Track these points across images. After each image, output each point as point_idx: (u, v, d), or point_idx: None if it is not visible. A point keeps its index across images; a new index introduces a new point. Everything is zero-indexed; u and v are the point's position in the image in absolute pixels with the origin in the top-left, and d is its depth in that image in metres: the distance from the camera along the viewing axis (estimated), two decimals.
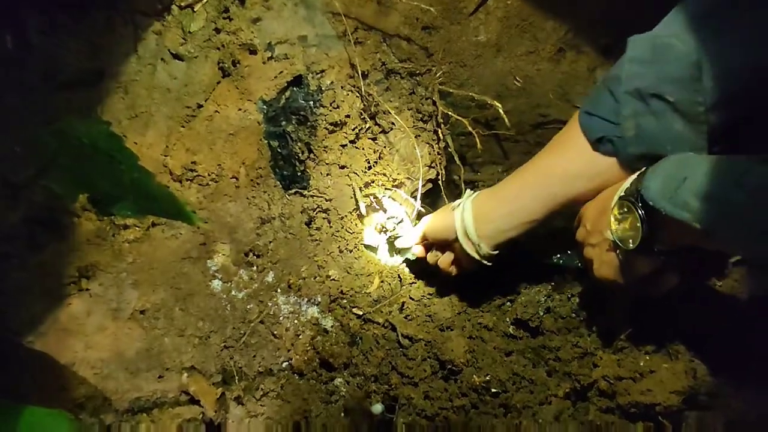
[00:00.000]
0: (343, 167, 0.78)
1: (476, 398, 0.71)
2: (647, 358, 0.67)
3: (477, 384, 0.69)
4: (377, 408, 0.70)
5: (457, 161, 0.81)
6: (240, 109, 0.77)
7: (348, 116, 0.77)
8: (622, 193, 0.50)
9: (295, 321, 0.76)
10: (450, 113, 0.80)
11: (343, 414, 0.72)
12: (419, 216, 0.81)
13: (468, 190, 0.67)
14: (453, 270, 0.70)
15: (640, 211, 0.47)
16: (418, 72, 0.81)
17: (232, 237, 0.76)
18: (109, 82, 0.72)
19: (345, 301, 0.76)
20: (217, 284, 0.75)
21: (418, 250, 0.74)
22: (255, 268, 0.76)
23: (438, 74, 0.80)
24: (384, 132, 0.80)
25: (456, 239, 0.64)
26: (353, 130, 0.78)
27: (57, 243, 0.69)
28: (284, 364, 0.75)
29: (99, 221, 0.69)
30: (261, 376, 0.74)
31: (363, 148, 0.79)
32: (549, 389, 0.70)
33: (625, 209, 0.49)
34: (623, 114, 0.47)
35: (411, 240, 0.74)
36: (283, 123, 0.78)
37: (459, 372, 0.71)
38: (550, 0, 0.75)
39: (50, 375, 0.66)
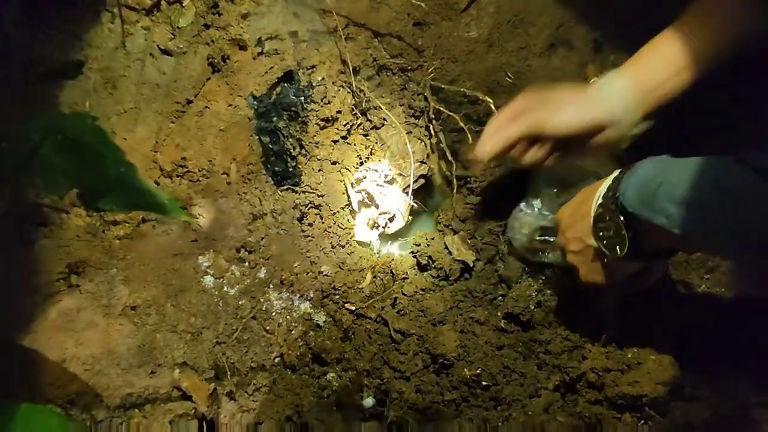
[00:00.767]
0: (334, 163, 0.78)
1: (467, 392, 0.71)
2: (635, 350, 0.68)
3: (468, 377, 0.70)
4: (369, 402, 0.71)
5: (449, 157, 0.81)
6: (230, 105, 0.76)
7: (339, 112, 0.77)
8: (601, 201, 0.50)
9: (288, 316, 0.76)
10: (442, 109, 0.80)
11: (335, 408, 0.72)
12: (411, 212, 0.82)
13: (597, 77, 0.55)
14: (556, 159, 0.56)
15: (621, 219, 0.47)
16: (409, 68, 0.80)
17: (223, 233, 0.76)
18: (97, 77, 0.71)
19: (337, 296, 0.76)
20: (208, 280, 0.75)
21: (521, 150, 0.57)
22: (247, 264, 0.76)
23: (430, 70, 0.80)
24: (375, 128, 0.80)
25: (602, 127, 0.53)
26: (345, 126, 0.78)
27: (46, 239, 0.68)
28: (276, 360, 0.75)
29: (88, 217, 0.68)
30: (253, 371, 0.74)
31: (355, 144, 0.79)
32: (539, 382, 0.71)
33: (607, 218, 0.50)
34: None
35: (506, 138, 0.57)
36: (274, 119, 0.78)
37: (450, 366, 0.72)
38: None
39: (40, 372, 0.66)
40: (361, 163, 0.79)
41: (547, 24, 0.76)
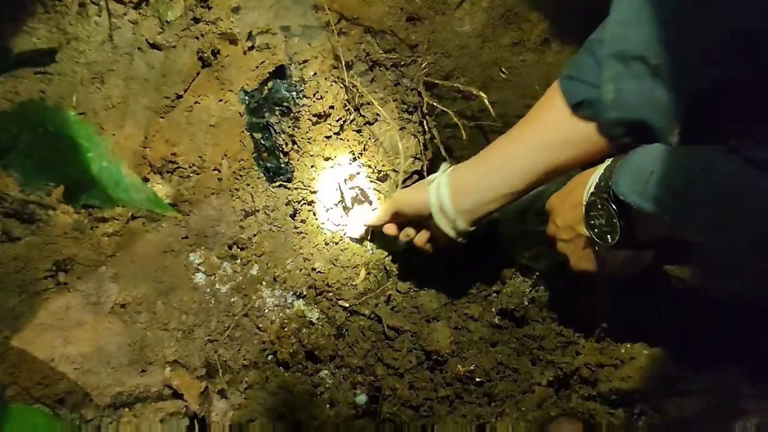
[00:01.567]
0: (327, 159, 0.78)
1: (461, 388, 0.71)
2: (628, 346, 0.68)
3: (462, 374, 0.70)
4: (361, 399, 0.71)
5: (443, 153, 0.80)
6: (221, 100, 0.75)
7: (332, 107, 0.76)
8: (593, 189, 0.50)
9: (280, 314, 0.75)
10: (435, 104, 0.80)
11: (328, 406, 0.72)
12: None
13: (444, 164, 0.63)
14: (428, 248, 0.67)
15: (613, 207, 0.47)
16: (402, 63, 0.80)
17: (215, 230, 0.75)
18: (84, 71, 0.70)
19: (331, 293, 0.76)
20: (200, 277, 0.74)
21: (391, 229, 0.69)
22: (239, 261, 0.75)
23: (423, 65, 0.79)
24: (368, 124, 0.79)
25: (430, 215, 0.60)
26: (337, 121, 0.77)
27: (32, 236, 0.67)
28: (269, 357, 0.74)
29: (76, 214, 0.67)
30: (245, 369, 0.73)
31: (347, 140, 0.78)
32: (532, 378, 0.71)
33: (599, 206, 0.50)
34: (604, 76, 0.43)
35: (377, 216, 0.69)
36: (266, 114, 0.77)
37: (444, 362, 0.72)
38: None
39: (28, 371, 0.65)
40: (354, 159, 0.78)
41: (541, 19, 0.76)
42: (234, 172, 0.76)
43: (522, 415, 0.68)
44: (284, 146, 0.77)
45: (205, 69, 0.75)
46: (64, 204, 0.65)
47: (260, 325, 0.75)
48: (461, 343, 0.72)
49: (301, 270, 0.76)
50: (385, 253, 0.79)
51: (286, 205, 0.77)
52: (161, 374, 0.71)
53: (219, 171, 0.76)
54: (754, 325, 0.63)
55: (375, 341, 0.74)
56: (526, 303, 0.73)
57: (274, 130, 0.77)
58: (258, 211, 0.76)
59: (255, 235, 0.76)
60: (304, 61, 0.77)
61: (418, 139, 0.82)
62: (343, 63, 0.76)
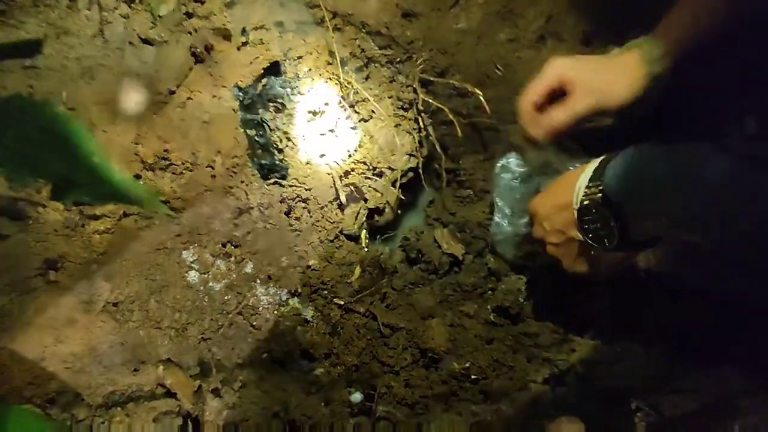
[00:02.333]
0: (322, 156, 0.77)
1: (456, 385, 0.71)
2: (623, 343, 0.68)
3: (457, 371, 0.70)
4: (356, 397, 0.70)
5: (438, 150, 0.80)
6: (214, 96, 0.74)
7: (327, 104, 0.76)
8: (584, 192, 0.49)
9: (275, 312, 0.75)
10: (431, 101, 0.79)
11: (323, 404, 0.71)
12: (400, 205, 0.81)
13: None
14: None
15: (607, 210, 0.47)
16: (398, 60, 0.79)
17: (208, 227, 0.74)
18: (74, 66, 0.69)
19: (326, 291, 0.75)
20: (193, 275, 0.73)
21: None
22: (233, 258, 0.75)
23: (418, 62, 0.79)
24: (364, 120, 0.79)
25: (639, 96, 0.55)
26: (332, 118, 0.77)
27: (21, 233, 0.66)
28: (264, 355, 0.74)
29: (67, 211, 0.66)
30: (240, 367, 0.73)
31: (342, 137, 0.77)
32: (528, 375, 0.71)
33: (593, 210, 0.49)
34: None
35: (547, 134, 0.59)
36: (260, 111, 0.77)
37: (440, 360, 0.71)
38: None
39: (18, 370, 0.64)
40: (349, 156, 0.78)
41: (536, 16, 0.76)
42: (228, 169, 0.75)
43: (518, 412, 0.67)
44: (279, 143, 0.76)
45: (198, 65, 0.74)
46: (54, 201, 0.64)
47: (254, 323, 0.74)
48: (457, 341, 0.72)
49: (295, 268, 0.76)
50: (379, 251, 0.79)
51: (281, 202, 0.76)
52: (154, 373, 0.70)
53: (212, 168, 0.75)
54: (748, 323, 0.63)
55: (370, 339, 0.73)
56: (522, 300, 0.73)
57: (269, 127, 0.77)
58: (252, 208, 0.76)
59: (249, 233, 0.75)
60: (299, 58, 0.76)
61: (414, 136, 0.81)
62: (338, 59, 0.75)
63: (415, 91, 0.80)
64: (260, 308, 0.75)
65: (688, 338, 0.66)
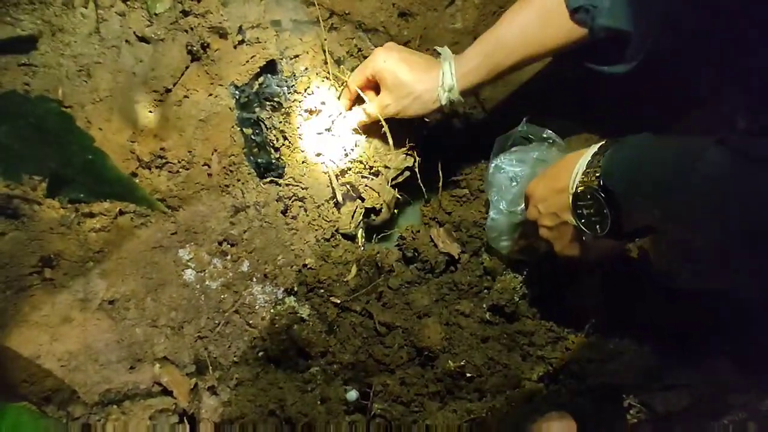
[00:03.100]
0: (318, 155, 0.77)
1: (451, 383, 0.71)
2: (616, 341, 0.69)
3: (452, 369, 0.70)
4: (352, 395, 0.71)
5: (435, 149, 0.80)
6: (211, 95, 0.74)
7: (323, 103, 0.76)
8: (581, 177, 0.50)
9: (271, 310, 0.75)
10: None
11: (319, 402, 0.71)
12: (396, 204, 0.81)
13: (444, 54, 0.65)
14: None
15: (602, 198, 0.47)
16: None
17: (204, 226, 0.74)
18: (70, 64, 0.68)
19: (322, 289, 0.75)
20: (189, 274, 0.73)
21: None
22: (229, 257, 0.75)
23: None
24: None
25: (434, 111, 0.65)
26: (329, 117, 0.77)
27: (17, 231, 0.66)
28: (260, 354, 0.74)
29: (63, 209, 0.66)
30: (236, 365, 0.73)
31: (339, 136, 0.78)
32: (523, 373, 0.71)
33: (588, 196, 0.49)
34: None
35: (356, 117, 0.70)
36: (257, 109, 0.77)
37: (435, 358, 0.72)
38: None
39: (13, 368, 0.64)
40: (346, 155, 0.78)
41: None
42: (224, 167, 0.75)
43: (512, 410, 0.68)
44: (275, 142, 0.77)
45: (194, 63, 0.74)
46: (50, 198, 0.64)
47: (251, 322, 0.74)
48: (452, 339, 0.72)
49: (292, 266, 0.76)
50: (376, 250, 0.79)
51: (277, 201, 0.76)
52: (150, 371, 0.70)
53: (209, 166, 0.75)
54: (740, 320, 0.64)
55: (366, 337, 0.73)
56: (517, 299, 0.73)
57: (265, 126, 0.77)
58: (248, 207, 0.76)
59: (245, 231, 0.75)
60: (295, 56, 0.76)
61: (410, 136, 0.82)
62: (331, 59, 0.75)
63: None
64: (256, 307, 0.75)
65: (680, 335, 0.66)
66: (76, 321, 0.68)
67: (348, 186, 0.79)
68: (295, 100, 0.76)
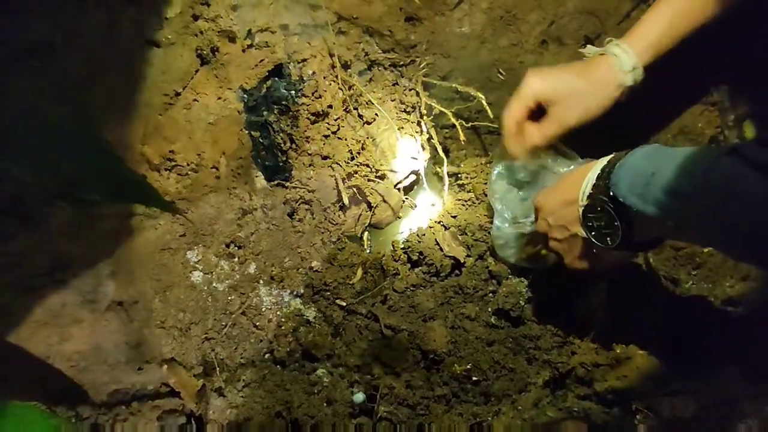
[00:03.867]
0: (325, 158, 0.78)
1: (457, 387, 0.71)
2: (623, 345, 0.68)
3: (458, 373, 0.70)
4: (359, 397, 0.71)
5: (441, 153, 0.81)
6: (219, 98, 0.75)
7: (330, 107, 0.77)
8: (590, 190, 0.50)
9: (278, 312, 0.75)
10: (433, 104, 0.80)
11: (325, 404, 0.72)
12: (402, 208, 0.82)
13: (611, 44, 0.61)
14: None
15: (612, 208, 0.47)
16: (401, 63, 0.80)
17: (212, 228, 0.75)
18: (82, 67, 0.69)
19: (328, 292, 0.76)
20: (197, 276, 0.74)
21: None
22: (236, 259, 0.75)
23: (421, 66, 0.79)
24: (367, 123, 0.79)
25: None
26: (336, 120, 0.77)
27: (28, 233, 0.67)
28: (266, 356, 0.74)
29: (73, 211, 0.67)
30: (243, 367, 0.74)
31: (345, 139, 0.78)
32: (529, 377, 0.71)
33: (598, 208, 0.49)
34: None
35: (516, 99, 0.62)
36: (265, 113, 0.77)
37: (441, 361, 0.72)
38: None
39: (23, 368, 0.65)
40: (352, 159, 0.78)
41: (539, 21, 0.76)
42: (232, 170, 0.76)
43: (518, 414, 0.68)
44: (282, 145, 0.77)
45: (203, 67, 0.74)
46: (61, 200, 0.65)
47: (257, 324, 0.75)
48: (458, 343, 0.72)
49: (298, 269, 0.76)
50: (381, 253, 0.79)
51: (284, 203, 0.77)
52: (158, 372, 0.70)
53: (217, 169, 0.76)
54: (748, 326, 0.63)
55: (372, 340, 0.74)
56: (523, 303, 0.73)
57: (273, 129, 0.77)
58: (256, 209, 0.76)
59: (252, 234, 0.76)
60: (303, 60, 0.77)
61: (416, 139, 0.82)
62: (340, 63, 0.76)
63: (418, 94, 0.81)
64: (263, 309, 0.75)
65: (687, 340, 0.66)
66: (85, 322, 0.69)
67: (354, 189, 0.79)
68: (302, 103, 0.76)
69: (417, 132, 0.82)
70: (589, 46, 0.63)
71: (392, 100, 0.81)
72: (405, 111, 0.82)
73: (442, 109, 0.79)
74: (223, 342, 0.73)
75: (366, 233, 0.82)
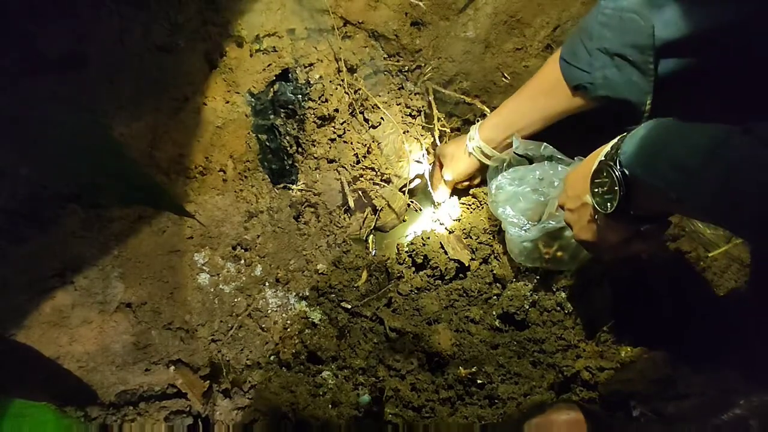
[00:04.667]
0: (331, 161, 0.78)
1: (462, 390, 0.72)
2: (628, 349, 0.68)
3: (463, 376, 0.71)
4: (365, 399, 0.71)
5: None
6: (228, 102, 0.76)
7: (337, 110, 0.77)
8: (601, 158, 0.51)
9: (283, 314, 0.76)
10: (438, 108, 0.80)
11: (330, 406, 0.72)
12: (407, 211, 0.82)
13: (473, 126, 0.75)
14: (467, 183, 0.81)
15: (616, 173, 0.48)
16: (406, 67, 0.81)
17: (219, 230, 0.76)
18: (95, 72, 0.70)
19: (333, 294, 0.76)
20: (204, 278, 0.75)
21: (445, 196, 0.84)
22: (243, 261, 0.76)
23: (427, 70, 0.80)
24: (372, 127, 0.80)
25: (479, 168, 0.77)
26: (342, 124, 0.78)
27: (40, 235, 0.68)
28: (272, 357, 0.75)
29: (84, 214, 0.68)
30: (249, 369, 0.74)
31: (351, 143, 0.79)
32: (533, 380, 0.71)
33: (604, 174, 0.50)
34: (594, 65, 0.59)
35: (443, 195, 0.83)
36: (272, 116, 0.78)
37: (445, 364, 0.72)
38: None
39: (34, 368, 0.66)
40: (358, 162, 0.79)
41: (543, 25, 0.77)
42: (239, 173, 0.77)
43: (523, 417, 0.68)
44: (289, 148, 0.78)
45: (212, 71, 0.75)
46: (73, 203, 0.66)
47: (263, 326, 0.75)
48: (462, 346, 0.72)
49: (303, 271, 0.77)
50: (386, 256, 0.80)
51: (290, 206, 0.77)
52: (165, 373, 0.71)
53: (224, 172, 0.76)
54: (752, 329, 0.63)
55: (377, 343, 0.74)
56: (527, 306, 0.73)
57: (279, 132, 0.78)
58: (262, 212, 0.77)
59: (259, 236, 0.76)
60: (310, 65, 0.77)
61: (421, 143, 0.83)
62: (346, 67, 0.77)
63: (423, 98, 0.81)
64: (269, 311, 0.76)
65: (691, 343, 0.66)
66: (94, 323, 0.70)
67: (360, 192, 0.80)
68: (308, 107, 0.77)
69: (422, 135, 0.83)
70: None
71: (398, 104, 0.81)
72: (410, 115, 0.82)
73: (448, 113, 0.79)
74: (230, 344, 0.74)
75: (371, 236, 0.82)
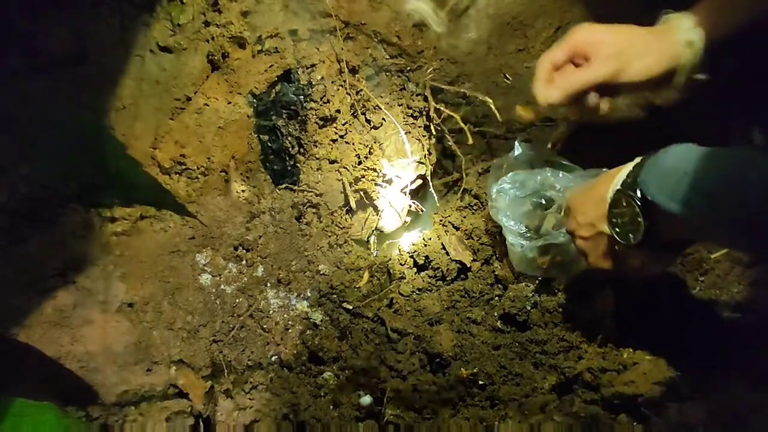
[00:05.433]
0: (333, 162, 0.78)
1: (464, 391, 0.71)
2: (631, 350, 0.68)
3: (465, 377, 0.70)
4: (366, 400, 0.71)
5: (448, 157, 0.81)
6: (229, 103, 0.76)
7: (338, 111, 0.77)
8: (619, 187, 0.49)
9: (285, 315, 0.76)
10: (441, 109, 0.80)
11: (332, 407, 0.72)
12: (408, 212, 0.82)
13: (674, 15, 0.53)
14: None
15: (638, 205, 0.46)
16: (408, 68, 0.81)
17: (221, 231, 0.76)
18: (96, 72, 0.71)
19: (335, 295, 0.76)
20: (206, 278, 0.75)
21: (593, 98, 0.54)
22: (244, 262, 0.76)
23: (429, 71, 0.80)
24: (374, 128, 0.80)
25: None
26: (343, 125, 0.78)
27: (41, 235, 0.68)
28: (273, 358, 0.75)
29: (85, 213, 0.68)
30: (250, 369, 0.74)
31: (353, 144, 0.79)
32: (535, 382, 0.71)
33: (624, 204, 0.48)
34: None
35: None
36: (274, 117, 0.78)
37: (447, 365, 0.72)
38: None
39: (35, 368, 0.66)
40: (360, 163, 0.79)
41: (545, 26, 0.77)
42: (241, 174, 0.77)
43: (525, 418, 0.68)
44: (291, 149, 0.78)
45: (214, 72, 0.76)
46: (74, 203, 0.66)
47: (265, 326, 0.75)
48: (464, 347, 0.72)
49: (305, 272, 0.77)
50: (388, 256, 0.80)
51: (292, 207, 0.77)
52: (167, 373, 0.71)
53: (226, 173, 0.77)
54: (756, 332, 0.63)
55: (378, 343, 0.74)
56: (529, 307, 0.73)
57: (281, 133, 0.78)
58: (264, 212, 0.77)
59: (260, 237, 0.76)
60: (312, 65, 0.78)
61: (423, 144, 0.83)
62: (347, 68, 0.77)
63: (425, 99, 0.81)
64: (270, 311, 0.76)
65: (695, 346, 0.66)
66: (96, 323, 0.70)
67: (361, 193, 0.80)
68: (310, 108, 0.77)
69: (424, 136, 0.83)
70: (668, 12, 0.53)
71: (399, 105, 0.81)
72: (412, 116, 0.82)
73: (450, 114, 0.79)
74: (231, 344, 0.74)
75: (373, 237, 0.82)
